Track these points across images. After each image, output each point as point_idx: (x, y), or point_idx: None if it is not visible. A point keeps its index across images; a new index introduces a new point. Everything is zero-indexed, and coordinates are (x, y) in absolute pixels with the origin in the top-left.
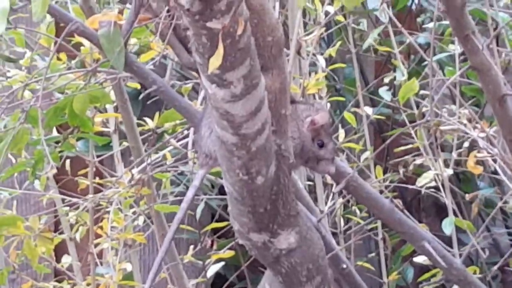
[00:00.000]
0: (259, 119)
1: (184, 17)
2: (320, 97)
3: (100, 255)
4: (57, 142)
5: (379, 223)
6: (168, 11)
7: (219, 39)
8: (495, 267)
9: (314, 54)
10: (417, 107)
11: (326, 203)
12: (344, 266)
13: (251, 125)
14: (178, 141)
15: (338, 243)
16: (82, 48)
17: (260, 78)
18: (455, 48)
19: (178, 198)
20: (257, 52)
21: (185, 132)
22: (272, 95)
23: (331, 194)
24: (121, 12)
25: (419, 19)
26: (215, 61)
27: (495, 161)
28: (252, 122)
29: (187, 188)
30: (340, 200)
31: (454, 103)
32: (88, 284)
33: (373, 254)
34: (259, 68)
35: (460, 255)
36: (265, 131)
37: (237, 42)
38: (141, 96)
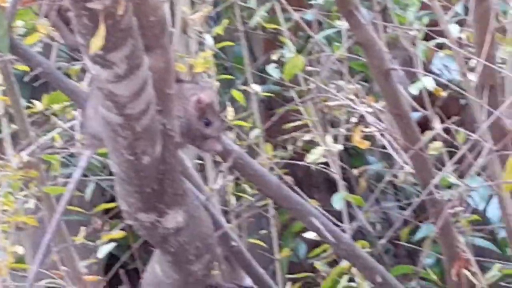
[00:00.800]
0: (144, 99)
1: None
2: (209, 76)
3: None
4: None
5: (270, 200)
6: None
7: (100, 19)
8: (384, 240)
9: (201, 33)
10: (306, 83)
11: (216, 181)
12: (234, 243)
13: (135, 105)
14: (66, 123)
15: (229, 221)
16: None
17: (143, 58)
18: (342, 24)
19: (68, 180)
20: (140, 32)
21: (73, 113)
22: (156, 75)
23: (221, 172)
24: None
25: None
26: (97, 42)
27: (383, 135)
28: (136, 102)
29: None
30: (231, 178)
31: (342, 79)
32: None
33: (264, 231)
34: (142, 48)
35: (350, 230)
36: (150, 111)
37: (119, 23)
38: (26, 79)
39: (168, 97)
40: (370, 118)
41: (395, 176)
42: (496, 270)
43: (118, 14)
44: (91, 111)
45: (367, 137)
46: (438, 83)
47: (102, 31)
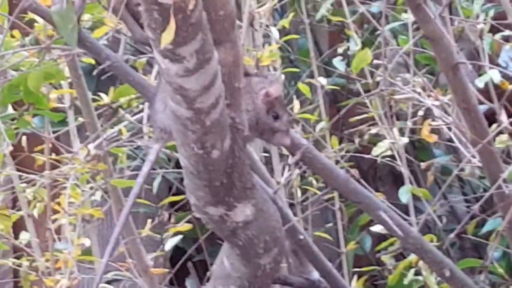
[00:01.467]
0: (213, 93)
1: None
2: (275, 69)
3: (58, 231)
4: (12, 119)
5: (336, 194)
6: None
7: (171, 14)
8: (452, 235)
9: (267, 26)
10: (372, 76)
11: (282, 175)
12: (301, 237)
13: (205, 99)
14: (133, 115)
15: (295, 214)
16: (35, 25)
17: (213, 52)
18: (408, 17)
19: (135, 172)
20: (210, 26)
21: (140, 106)
22: (225, 69)
23: (287, 166)
24: None
25: None
26: (167, 36)
27: (450, 129)
28: (206, 96)
29: (144, 162)
30: (297, 171)
31: (408, 72)
32: (46, 260)
33: (330, 224)
34: (211, 42)
35: (417, 224)
36: (219, 105)
37: (189, 17)
38: (95, 72)
39: (237, 91)
40: (436, 112)
41: (462, 169)
42: None
43: (188, 9)
44: (160, 104)
45: (434, 131)
46: (505, 76)
47: (172, 25)
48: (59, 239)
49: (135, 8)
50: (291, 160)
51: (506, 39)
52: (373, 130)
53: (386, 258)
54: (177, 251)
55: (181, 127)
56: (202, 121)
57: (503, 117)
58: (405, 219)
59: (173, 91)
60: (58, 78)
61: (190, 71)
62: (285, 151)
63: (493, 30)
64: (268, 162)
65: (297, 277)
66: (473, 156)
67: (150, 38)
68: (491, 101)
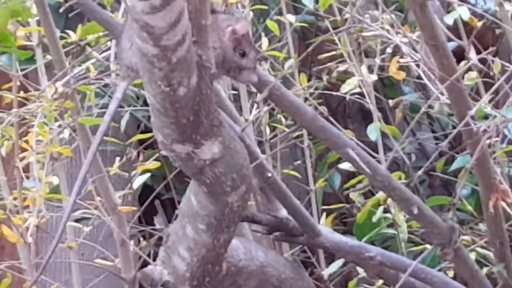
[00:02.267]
0: (179, 30)
1: None
2: (243, 6)
3: (26, 169)
4: None
5: (304, 131)
6: None
7: None
8: (420, 172)
9: None
10: (340, 13)
11: (250, 112)
12: (269, 174)
13: (171, 37)
14: (101, 53)
15: (263, 152)
16: None
17: None
18: None
19: (103, 110)
20: None
21: (108, 44)
22: (191, 6)
23: (255, 103)
24: None
25: None
26: None
27: (418, 66)
28: (172, 34)
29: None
30: (265, 108)
31: (377, 8)
32: (14, 198)
33: (299, 162)
34: None
35: (386, 161)
36: (186, 42)
37: None
38: (62, 9)
39: (204, 28)
40: (405, 49)
41: (431, 106)
42: None
43: None
44: (127, 42)
45: (402, 68)
46: (474, 13)
47: None
48: (27, 177)
49: None
50: (259, 97)
51: None
52: (342, 67)
53: (354, 196)
54: (145, 189)
55: (147, 64)
56: (168, 59)
57: (471, 54)
58: (374, 157)
59: (140, 29)
60: (25, 15)
61: (156, 8)
62: (253, 89)
63: None
64: (236, 99)
65: (265, 215)
66: (442, 93)
67: None
68: (460, 38)
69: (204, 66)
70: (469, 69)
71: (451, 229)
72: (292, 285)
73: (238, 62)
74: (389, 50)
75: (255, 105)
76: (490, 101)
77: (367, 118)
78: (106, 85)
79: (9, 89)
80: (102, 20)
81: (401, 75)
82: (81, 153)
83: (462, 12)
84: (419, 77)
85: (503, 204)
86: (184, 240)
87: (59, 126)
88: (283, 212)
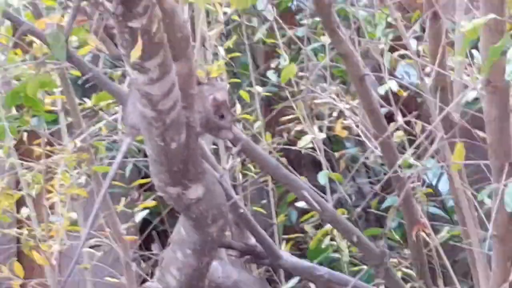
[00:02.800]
0: (172, 98)
1: (111, 19)
2: (222, 79)
3: (51, 207)
4: (15, 119)
5: (269, 177)
6: (99, 14)
7: (138, 35)
8: (359, 209)
9: (216, 46)
10: (297, 85)
11: (227, 162)
12: (242, 211)
13: (165, 103)
14: (110, 116)
15: (237, 193)
16: (34, 45)
17: (172, 66)
18: (326, 39)
19: (112, 160)
20: (169, 45)
21: (116, 109)
22: (182, 79)
23: (231, 155)
24: (62, 15)
25: (297, 17)
26: (136, 53)
27: (358, 126)
28: (166, 100)
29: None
30: (238, 159)
31: (326, 82)
32: (42, 230)
33: (265, 201)
34: (171, 58)
35: (332, 200)
36: (177, 107)
37: (153, 38)
38: (80, 81)
39: (191, 96)
40: (347, 113)
41: (367, 158)
42: (445, 232)
43: (152, 31)
44: (131, 107)
45: (346, 128)
46: (401, 85)
47: (139, 44)
48: (52, 213)
49: (111, 31)
50: (234, 150)
51: (402, 56)
52: (298, 128)
53: (308, 228)
54: (145, 223)
55: (147, 124)
56: (163, 120)
57: (399, 117)
58: (323, 197)
59: (141, 96)
60: (51, 86)
61: (154, 81)
62: (229, 144)
63: (392, 49)
64: (216, 152)
65: (238, 243)
66: (376, 148)
67: (123, 54)
68: (390, 105)
69: (191, 126)
70: (397, 129)
71: (383, 253)
72: None
73: (217, 123)
74: (335, 114)
75: (231, 157)
76: (413, 154)
77: (317, 167)
78: (114, 141)
79: (39, 144)
80: (111, 90)
81: (344, 133)
82: (94, 194)
83: (392, 84)
84: (358, 135)
85: (423, 234)
86: (175, 262)
87: (77, 173)
88: (252, 240)
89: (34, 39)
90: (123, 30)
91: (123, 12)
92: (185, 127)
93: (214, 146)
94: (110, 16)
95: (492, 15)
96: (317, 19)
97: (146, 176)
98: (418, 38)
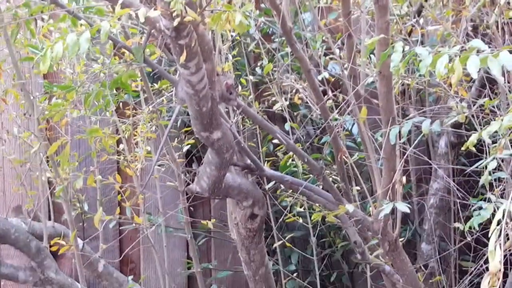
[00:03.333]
0: (203, 82)
1: (168, 38)
2: (230, 72)
3: (136, 144)
4: (116, 95)
5: (257, 126)
6: (161, 36)
7: (184, 48)
8: (309, 142)
9: (226, 53)
10: (273, 75)
11: (234, 118)
12: (242, 145)
13: (200, 85)
14: (169, 93)
15: (240, 135)
16: (126, 53)
17: (203, 64)
18: (288, 50)
19: (170, 117)
20: (201, 53)
21: (172, 88)
22: (208, 72)
23: (236, 114)
24: (141, 37)
25: (272, 37)
26: (182, 58)
27: (306, 97)
28: (200, 84)
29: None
30: (240, 117)
31: (289, 73)
32: (131, 156)
33: (255, 139)
34: (202, 60)
35: None
36: (206, 88)
37: (192, 49)
38: (151, 74)
39: (213, 82)
40: (301, 90)
41: (312, 115)
42: (356, 156)
43: (191, 46)
44: (180, 88)
45: (300, 98)
46: (331, 75)
47: (184, 53)
48: (136, 147)
49: (168, 46)
50: (237, 112)
51: (331, 58)
52: (273, 99)
53: (280, 154)
54: (188, 152)
55: (189, 98)
56: (198, 95)
57: (329, 92)
58: (287, 137)
59: (185, 82)
60: (135, 77)
61: (193, 73)
62: (234, 109)
63: (325, 54)
64: (227, 112)
65: (240, 162)
66: (317, 109)
67: (175, 59)
68: (324, 85)
69: (213, 99)
70: (329, 99)
71: (321, 168)
72: (252, 192)
73: (228, 97)
74: (294, 91)
75: (236, 115)
76: (337, 113)
77: (284, 120)
78: (171, 107)
79: (128, 109)
80: (169, 78)
81: (299, 101)
82: (160, 136)
83: (325, 74)
84: (307, 103)
85: (343, 157)
86: (205, 173)
87: (150, 125)
88: (248, 161)
89: (125, 50)
90: (175, 45)
91: (175, 35)
92: (210, 99)
93: (226, 109)
94: (167, 38)
95: (382, 35)
96: (283, 38)
97: (189, 126)
98: (340, 48)
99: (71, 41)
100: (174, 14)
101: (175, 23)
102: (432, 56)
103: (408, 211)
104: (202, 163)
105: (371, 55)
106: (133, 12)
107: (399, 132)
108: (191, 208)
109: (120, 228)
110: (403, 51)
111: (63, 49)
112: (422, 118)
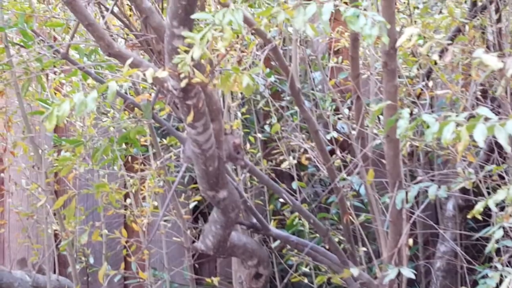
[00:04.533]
0: (210, 142)
1: (175, 98)
2: (238, 130)
3: (143, 199)
4: (124, 150)
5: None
6: (170, 96)
7: (191, 108)
8: (316, 203)
9: (235, 111)
10: (281, 134)
11: (241, 176)
12: (248, 203)
13: (206, 145)
14: (177, 150)
15: (246, 193)
16: (135, 109)
17: (210, 125)
18: (297, 109)
19: (177, 174)
20: (208, 113)
21: (179, 145)
22: (215, 131)
23: (243, 173)
24: (150, 94)
25: (282, 95)
26: (189, 118)
27: (314, 157)
28: (207, 144)
29: (180, 170)
30: (247, 175)
31: (297, 132)
32: (138, 211)
33: (262, 198)
34: (209, 120)
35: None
36: (212, 147)
37: (199, 109)
38: (160, 131)
39: (221, 142)
40: (309, 150)
41: (320, 175)
42: (363, 217)
43: (199, 106)
44: (187, 146)
45: (308, 158)
46: (339, 134)
47: (192, 113)
48: (143, 202)
49: (176, 104)
50: (244, 171)
51: (339, 118)
52: (281, 157)
53: (286, 213)
54: (195, 208)
55: (195, 157)
56: (205, 154)
57: (337, 152)
58: (294, 196)
59: (192, 141)
60: (143, 132)
61: (200, 133)
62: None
63: (334, 114)
64: (235, 171)
65: (246, 221)
66: (324, 169)
67: (183, 118)
68: (333, 145)
69: (220, 158)
70: (337, 159)
71: (327, 229)
72: (257, 251)
73: (235, 156)
74: (302, 150)
75: (242, 173)
76: (345, 173)
77: (291, 179)
78: (178, 163)
79: (137, 164)
80: (177, 136)
81: (307, 162)
82: (167, 192)
83: (334, 134)
84: (315, 162)
85: (349, 217)
86: (210, 231)
87: (158, 180)
88: (254, 220)
89: (135, 106)
90: (183, 105)
91: (183, 95)
92: (217, 158)
93: (234, 167)
94: (175, 97)
95: (388, 102)
96: (291, 97)
97: (196, 183)
98: (349, 108)
99: (78, 100)
100: (181, 76)
101: (183, 84)
102: (439, 124)
103: (413, 276)
104: (208, 221)
105: (380, 116)
106: (141, 73)
107: (406, 196)
108: (197, 264)
109: (125, 282)
110: (411, 115)
111: (70, 108)
112: (429, 183)
